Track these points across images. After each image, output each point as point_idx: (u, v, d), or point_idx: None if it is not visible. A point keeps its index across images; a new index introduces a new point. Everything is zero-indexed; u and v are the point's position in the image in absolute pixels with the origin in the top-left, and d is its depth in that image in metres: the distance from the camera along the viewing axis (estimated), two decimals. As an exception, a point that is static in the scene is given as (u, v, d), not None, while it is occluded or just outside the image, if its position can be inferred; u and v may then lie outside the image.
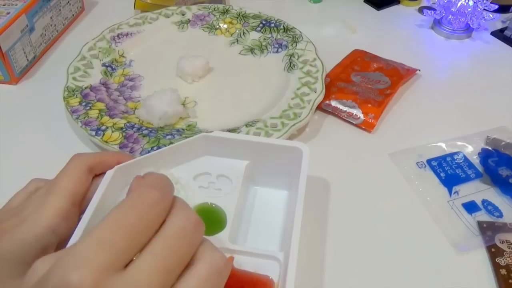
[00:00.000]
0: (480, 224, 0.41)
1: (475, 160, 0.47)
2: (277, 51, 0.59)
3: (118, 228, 0.20)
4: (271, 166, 0.38)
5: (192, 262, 0.21)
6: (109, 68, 0.56)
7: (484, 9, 0.63)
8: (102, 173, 0.34)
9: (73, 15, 0.67)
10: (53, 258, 0.20)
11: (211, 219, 0.35)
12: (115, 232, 0.19)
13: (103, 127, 0.46)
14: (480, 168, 0.46)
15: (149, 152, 0.44)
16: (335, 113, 0.52)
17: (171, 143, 0.45)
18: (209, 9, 0.65)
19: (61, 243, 0.31)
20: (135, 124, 0.48)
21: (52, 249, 0.30)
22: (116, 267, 0.19)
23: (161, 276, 0.20)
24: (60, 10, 0.64)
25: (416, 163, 0.47)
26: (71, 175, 0.33)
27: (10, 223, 0.30)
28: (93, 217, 0.30)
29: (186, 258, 0.21)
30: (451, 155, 0.47)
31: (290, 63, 0.56)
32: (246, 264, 0.32)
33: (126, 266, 0.20)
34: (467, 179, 0.45)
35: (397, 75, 0.56)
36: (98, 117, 0.48)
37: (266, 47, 0.60)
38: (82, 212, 0.33)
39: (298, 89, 0.52)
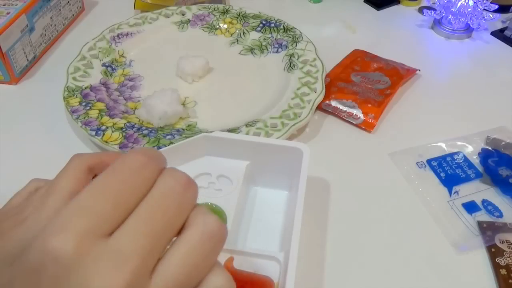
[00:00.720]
0: (480, 224, 0.41)
1: (475, 160, 0.47)
2: (277, 51, 0.59)
3: (100, 194, 0.19)
4: (271, 167, 0.38)
5: (182, 229, 0.20)
6: (109, 68, 0.56)
7: (484, 9, 0.63)
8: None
9: (73, 15, 0.67)
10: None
11: None
12: (96, 198, 0.18)
13: (103, 127, 0.46)
14: (480, 168, 0.46)
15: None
16: (335, 113, 0.52)
17: (171, 143, 0.45)
18: (209, 9, 0.65)
19: None
20: (135, 124, 0.48)
21: None
22: (100, 233, 0.18)
23: (148, 240, 0.18)
24: (60, 10, 0.64)
25: (416, 163, 0.47)
26: (71, 175, 0.33)
27: (9, 223, 0.30)
28: None
29: (175, 222, 0.20)
30: (451, 155, 0.47)
31: (290, 63, 0.56)
32: (246, 264, 0.32)
33: (112, 234, 0.18)
34: (467, 179, 0.45)
35: (397, 75, 0.56)
36: (98, 117, 0.48)
37: (266, 47, 0.60)
38: None
39: (298, 89, 0.52)
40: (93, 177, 0.34)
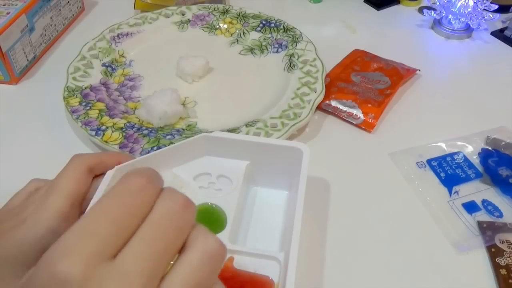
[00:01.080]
0: (480, 224, 0.41)
1: (475, 160, 0.47)
2: (277, 51, 0.59)
3: (102, 217, 0.19)
4: (271, 167, 0.38)
5: (183, 249, 0.20)
6: (109, 68, 0.56)
7: (484, 9, 0.63)
8: (103, 174, 0.34)
9: (73, 15, 0.67)
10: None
11: (211, 219, 0.35)
12: (99, 221, 0.19)
13: (103, 127, 0.46)
14: (480, 168, 0.46)
15: (149, 152, 0.44)
16: (335, 113, 0.52)
17: (171, 143, 0.45)
18: (209, 9, 0.65)
19: None
20: (135, 124, 0.48)
21: None
22: (104, 256, 0.18)
23: (151, 261, 0.19)
24: (60, 10, 0.64)
25: (416, 163, 0.47)
26: (71, 175, 0.33)
27: (10, 223, 0.30)
28: None
29: (176, 243, 0.20)
30: (451, 155, 0.47)
31: (290, 63, 0.56)
32: (246, 264, 0.32)
33: (115, 256, 0.19)
34: (467, 179, 0.45)
35: (397, 75, 0.56)
36: (98, 117, 0.48)
37: (266, 47, 0.60)
38: (82, 212, 0.33)
39: (298, 89, 0.52)
40: (94, 177, 0.34)
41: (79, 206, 0.32)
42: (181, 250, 0.21)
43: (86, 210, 0.20)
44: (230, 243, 0.33)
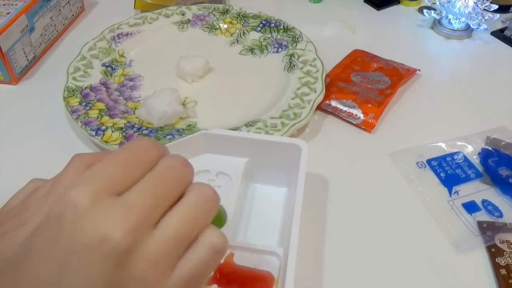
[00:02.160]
0: (480, 224, 0.41)
1: (475, 160, 0.47)
2: (277, 51, 0.59)
3: (114, 163, 0.22)
4: (270, 163, 0.38)
5: (182, 196, 0.23)
6: (109, 68, 0.56)
7: (484, 9, 0.63)
8: None
9: (73, 15, 0.67)
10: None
11: None
12: (111, 166, 0.22)
13: (103, 127, 0.46)
14: (480, 168, 0.46)
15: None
16: (335, 113, 0.52)
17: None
18: (209, 9, 0.65)
19: None
20: (135, 124, 0.48)
21: None
22: (112, 192, 0.21)
23: (151, 199, 0.22)
24: (60, 10, 0.64)
25: (416, 163, 0.47)
26: (72, 175, 0.33)
27: (10, 225, 0.30)
28: None
29: (175, 190, 0.23)
30: (451, 155, 0.47)
31: (290, 63, 0.56)
32: (246, 260, 0.32)
33: (121, 194, 0.22)
34: (467, 179, 0.45)
35: (397, 75, 0.56)
36: (98, 117, 0.48)
37: (266, 47, 0.60)
38: None
39: (298, 89, 0.52)
40: None
41: None
42: (178, 199, 0.23)
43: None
44: (230, 239, 0.33)
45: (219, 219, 0.35)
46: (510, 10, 0.71)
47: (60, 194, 0.21)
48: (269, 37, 0.61)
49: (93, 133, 0.46)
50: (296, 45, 0.58)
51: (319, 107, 0.52)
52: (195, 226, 0.23)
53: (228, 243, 0.24)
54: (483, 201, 0.43)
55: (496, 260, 0.38)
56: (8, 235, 0.29)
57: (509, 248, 0.39)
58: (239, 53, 0.60)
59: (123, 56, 0.58)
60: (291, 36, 0.60)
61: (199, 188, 0.24)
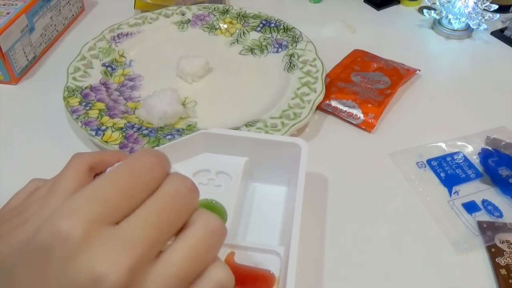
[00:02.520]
0: (480, 224, 0.41)
1: (475, 160, 0.47)
2: (277, 51, 0.59)
3: (112, 185, 0.20)
4: (270, 163, 0.39)
5: (186, 226, 0.21)
6: (109, 68, 0.56)
7: (484, 9, 0.63)
8: (102, 172, 0.34)
9: (73, 15, 0.67)
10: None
11: None
12: (108, 188, 0.20)
13: (103, 127, 0.46)
14: (480, 168, 0.46)
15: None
16: (335, 113, 0.52)
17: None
18: (209, 9, 0.65)
19: None
20: (135, 124, 0.48)
21: None
22: (107, 221, 0.19)
23: (153, 230, 0.19)
24: (60, 10, 0.64)
25: (416, 163, 0.47)
26: (72, 175, 0.33)
27: (11, 225, 0.30)
28: None
29: (179, 219, 0.21)
30: (451, 155, 0.47)
31: (290, 63, 0.56)
32: (246, 259, 0.32)
33: (118, 223, 0.20)
34: (467, 179, 0.45)
35: (397, 75, 0.56)
36: (98, 117, 0.48)
37: (266, 47, 0.60)
38: None
39: (298, 89, 0.52)
40: (94, 176, 0.34)
41: None
42: (183, 228, 0.21)
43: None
44: (230, 238, 0.33)
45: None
46: (510, 10, 0.71)
47: (49, 221, 0.19)
48: (269, 37, 0.61)
49: (93, 133, 0.46)
50: (296, 45, 0.58)
51: (319, 107, 0.52)
52: (201, 263, 0.21)
53: (233, 279, 0.22)
54: (483, 201, 0.43)
55: (496, 260, 0.38)
56: (7, 236, 0.29)
57: (509, 248, 0.39)
58: (239, 53, 0.60)
59: (123, 56, 0.58)
60: (291, 36, 0.60)
61: (206, 218, 0.21)
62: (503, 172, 0.45)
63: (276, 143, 0.37)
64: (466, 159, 0.47)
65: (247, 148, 0.38)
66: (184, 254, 0.20)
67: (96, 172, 0.34)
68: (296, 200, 0.33)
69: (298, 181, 0.34)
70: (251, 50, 0.61)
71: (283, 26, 0.61)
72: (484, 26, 0.64)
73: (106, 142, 0.45)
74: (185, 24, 0.64)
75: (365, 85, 0.54)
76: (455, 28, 0.66)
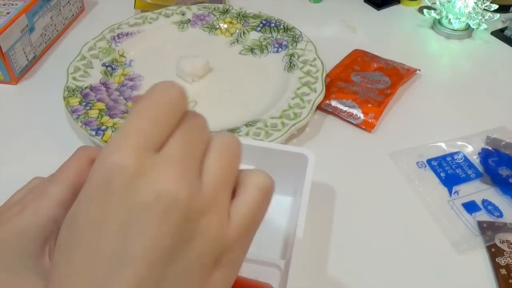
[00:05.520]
0: (480, 224, 0.41)
1: (475, 160, 0.47)
2: (277, 51, 0.59)
3: (141, 116, 0.21)
4: (277, 172, 0.38)
5: (239, 184, 0.23)
6: (109, 68, 0.56)
7: (484, 9, 0.63)
8: None
9: (73, 15, 0.67)
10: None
11: None
12: (140, 120, 0.21)
13: (103, 127, 0.46)
14: (480, 168, 0.46)
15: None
16: (335, 113, 0.52)
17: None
18: (209, 9, 0.65)
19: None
20: (135, 124, 0.48)
21: (53, 239, 0.30)
22: (150, 148, 0.21)
23: (191, 149, 0.21)
24: (60, 10, 0.64)
25: (416, 163, 0.47)
26: (74, 166, 0.33)
27: (10, 213, 0.30)
28: None
29: (205, 137, 0.23)
30: (451, 155, 0.47)
31: (290, 63, 0.56)
32: (246, 270, 0.32)
33: (160, 148, 0.21)
34: (467, 179, 0.45)
35: (397, 75, 0.56)
36: (98, 117, 0.48)
37: (266, 47, 0.60)
38: None
39: (298, 89, 0.52)
40: None
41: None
42: (237, 186, 0.23)
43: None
44: None
45: None
46: (510, 10, 0.71)
47: (100, 162, 0.20)
48: (269, 37, 0.61)
49: (93, 133, 0.46)
50: (296, 45, 0.58)
51: (319, 107, 0.52)
52: (233, 168, 0.23)
53: (273, 180, 0.24)
54: (483, 201, 0.43)
55: (496, 260, 0.38)
56: (7, 223, 0.29)
57: (509, 248, 0.39)
58: (239, 53, 0.60)
59: (123, 56, 0.58)
60: (291, 36, 0.60)
61: (220, 134, 0.24)
62: (503, 172, 0.45)
63: (283, 152, 0.37)
64: (466, 159, 0.47)
65: (254, 157, 0.37)
66: (218, 163, 0.22)
67: None
68: (300, 213, 0.32)
69: (303, 193, 0.33)
70: (251, 50, 0.61)
71: (283, 26, 0.61)
72: (484, 26, 0.64)
73: (106, 142, 0.45)
74: (185, 24, 0.64)
75: (365, 85, 0.54)
76: (455, 28, 0.66)
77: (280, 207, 0.39)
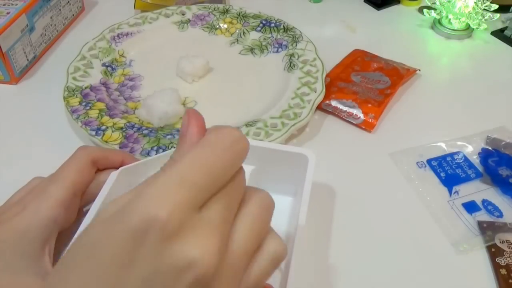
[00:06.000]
0: (480, 224, 0.41)
1: (475, 160, 0.47)
2: (277, 51, 0.59)
3: (198, 167, 0.20)
4: (277, 172, 0.37)
5: (242, 202, 0.22)
6: (109, 68, 0.56)
7: (484, 9, 0.63)
8: (106, 169, 0.34)
9: (73, 15, 0.67)
10: (127, 195, 0.20)
11: None
12: (195, 171, 0.20)
13: (103, 127, 0.46)
14: (480, 168, 0.46)
15: (149, 152, 0.44)
16: (335, 113, 0.52)
17: (171, 143, 0.45)
18: (209, 9, 0.65)
19: (60, 233, 0.31)
20: (135, 124, 0.48)
21: (53, 239, 0.30)
22: (196, 205, 0.20)
23: (228, 213, 0.21)
24: (60, 10, 0.64)
25: (416, 163, 0.47)
26: (74, 165, 0.33)
27: (10, 213, 0.30)
28: (98, 212, 0.30)
29: (241, 197, 0.22)
30: (451, 155, 0.47)
31: (290, 63, 0.56)
32: None
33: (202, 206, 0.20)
34: (467, 179, 0.45)
35: (397, 75, 0.56)
36: (98, 117, 0.48)
37: (266, 47, 0.60)
38: (84, 205, 0.33)
39: (298, 89, 0.52)
40: (96, 171, 0.34)
41: (80, 196, 0.32)
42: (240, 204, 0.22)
43: (177, 156, 0.22)
44: None
45: None
46: (510, 10, 0.70)
47: (141, 205, 0.19)
48: (269, 37, 0.61)
49: (93, 133, 0.46)
50: (296, 45, 0.58)
51: (319, 107, 0.52)
52: (260, 237, 0.22)
53: (287, 249, 0.23)
54: (483, 201, 0.43)
55: (496, 260, 0.38)
56: (7, 223, 0.29)
57: (509, 248, 0.39)
58: (239, 53, 0.60)
59: (123, 56, 0.58)
60: (291, 36, 0.60)
61: (258, 195, 0.23)
62: (503, 172, 0.45)
63: (284, 153, 0.36)
64: (466, 159, 0.47)
65: (255, 157, 0.37)
66: (248, 232, 0.21)
67: (98, 167, 0.34)
68: (300, 215, 0.31)
69: (303, 193, 0.33)
70: (251, 50, 0.61)
71: (283, 26, 0.61)
72: (484, 26, 0.64)
73: (106, 142, 0.45)
74: (185, 24, 0.64)
75: (365, 85, 0.54)
76: (455, 28, 0.66)
77: (280, 207, 0.39)
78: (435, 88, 0.57)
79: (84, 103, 0.49)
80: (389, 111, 0.53)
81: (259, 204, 0.23)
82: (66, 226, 0.31)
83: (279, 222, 0.37)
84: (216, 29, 0.64)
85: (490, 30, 0.67)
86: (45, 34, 0.61)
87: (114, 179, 0.32)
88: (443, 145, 0.48)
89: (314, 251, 0.39)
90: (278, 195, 0.39)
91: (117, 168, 0.34)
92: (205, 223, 0.20)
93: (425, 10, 0.69)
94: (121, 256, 0.18)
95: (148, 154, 0.44)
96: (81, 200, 0.33)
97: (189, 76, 0.55)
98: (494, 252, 0.38)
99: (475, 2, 0.63)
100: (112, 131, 0.46)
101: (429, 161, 0.47)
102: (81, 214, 0.34)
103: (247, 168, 0.37)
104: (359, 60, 0.58)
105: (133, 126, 0.47)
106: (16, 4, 0.56)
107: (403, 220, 0.42)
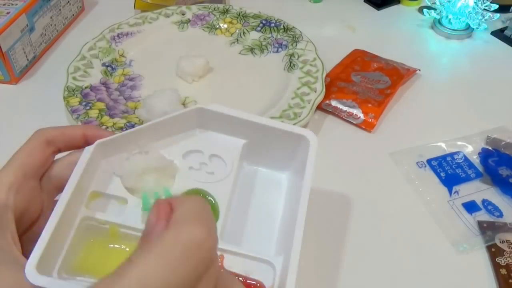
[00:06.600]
0: (480, 224, 0.41)
1: (475, 160, 0.47)
2: (277, 51, 0.59)
3: (154, 282, 0.19)
4: (272, 150, 0.34)
5: None
6: (109, 68, 0.56)
7: (484, 9, 0.63)
8: (65, 146, 0.32)
9: (73, 15, 0.67)
10: None
11: None
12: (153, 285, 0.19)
13: (103, 127, 0.46)
14: (480, 168, 0.46)
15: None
16: (335, 113, 0.52)
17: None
18: (209, 9, 0.65)
19: (20, 217, 0.30)
20: (135, 124, 0.48)
21: (11, 225, 0.29)
22: None
23: None
24: (60, 10, 0.64)
25: (416, 163, 0.47)
26: (24, 148, 0.32)
27: None
28: (72, 196, 0.28)
29: None
30: (451, 155, 0.47)
31: (290, 62, 0.56)
32: (237, 265, 0.29)
33: None
34: (467, 179, 0.45)
35: (397, 74, 0.56)
36: (98, 117, 0.48)
37: (266, 47, 0.60)
38: (57, 187, 0.32)
39: (298, 88, 0.52)
40: (54, 151, 0.33)
41: (34, 177, 0.31)
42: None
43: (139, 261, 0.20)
44: (221, 240, 0.30)
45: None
46: (510, 10, 0.70)
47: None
48: (269, 37, 0.61)
49: (93, 133, 0.46)
50: (296, 44, 0.58)
51: (319, 107, 0.52)
52: None
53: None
54: (483, 201, 0.43)
55: (496, 260, 0.38)
56: None
57: (509, 248, 0.39)
58: (239, 53, 0.60)
59: (123, 56, 0.58)
60: (291, 36, 0.60)
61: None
62: (503, 172, 0.45)
63: (281, 131, 0.33)
64: (466, 159, 0.47)
65: (247, 130, 0.34)
66: None
67: (57, 146, 0.32)
68: (299, 216, 0.29)
69: (303, 182, 0.31)
70: (251, 50, 0.61)
71: (283, 26, 0.61)
72: (484, 26, 0.64)
73: (106, 142, 0.45)
74: (185, 24, 0.64)
75: (365, 85, 0.54)
76: (455, 28, 0.66)
77: (275, 191, 0.35)
78: (435, 88, 0.57)
79: (84, 103, 0.49)
80: (389, 111, 0.53)
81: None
82: (23, 210, 0.30)
83: (274, 209, 0.34)
84: (216, 29, 0.64)
85: (490, 30, 0.67)
86: (45, 34, 0.61)
87: (89, 154, 0.30)
88: (443, 145, 0.48)
89: (313, 251, 0.39)
90: (272, 176, 0.35)
91: (81, 145, 0.32)
92: None
93: (425, 10, 0.69)
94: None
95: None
96: (36, 180, 0.32)
97: (189, 76, 0.55)
98: (494, 252, 0.38)
99: (475, 2, 0.63)
100: (112, 131, 0.46)
101: (429, 161, 0.47)
102: (52, 203, 0.31)
103: (238, 142, 0.34)
104: (359, 60, 0.58)
105: (133, 126, 0.47)
106: (16, 4, 0.56)
107: (403, 220, 0.42)
